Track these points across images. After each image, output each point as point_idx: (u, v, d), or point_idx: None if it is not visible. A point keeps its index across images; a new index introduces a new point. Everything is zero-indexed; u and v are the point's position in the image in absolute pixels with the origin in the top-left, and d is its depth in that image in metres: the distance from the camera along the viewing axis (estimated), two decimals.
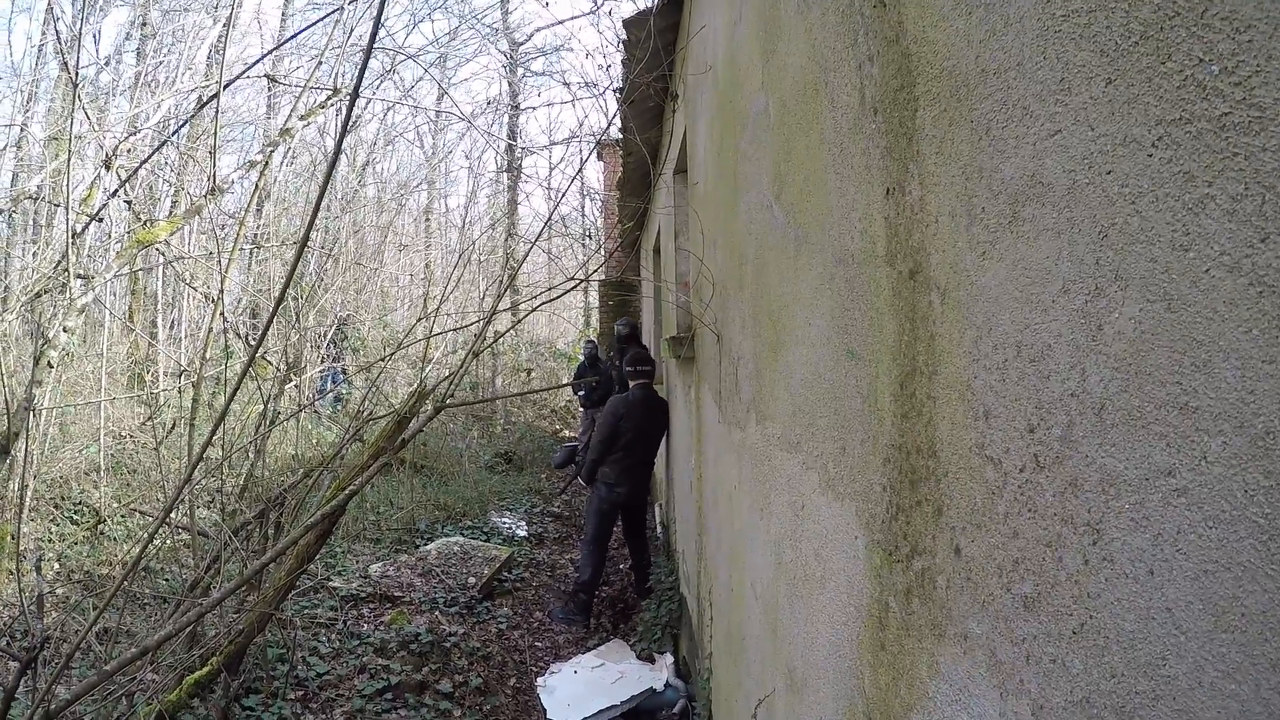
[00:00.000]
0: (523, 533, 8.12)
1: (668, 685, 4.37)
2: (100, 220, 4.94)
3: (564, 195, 9.47)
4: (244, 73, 3.92)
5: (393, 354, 4.15)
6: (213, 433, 2.68)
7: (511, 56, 24.80)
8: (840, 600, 1.31)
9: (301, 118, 4.36)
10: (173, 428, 7.74)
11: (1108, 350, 0.63)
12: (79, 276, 3.14)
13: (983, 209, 0.83)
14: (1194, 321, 0.54)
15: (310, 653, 4.63)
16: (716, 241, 2.89)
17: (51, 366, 3.59)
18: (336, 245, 12.58)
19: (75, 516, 6.88)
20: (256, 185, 4.22)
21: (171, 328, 11.07)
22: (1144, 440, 0.58)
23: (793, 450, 1.67)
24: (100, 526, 6.77)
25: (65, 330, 3.44)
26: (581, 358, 13.26)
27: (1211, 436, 0.52)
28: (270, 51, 3.70)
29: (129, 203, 4.90)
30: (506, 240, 20.14)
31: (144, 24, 9.09)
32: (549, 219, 4.97)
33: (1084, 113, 0.65)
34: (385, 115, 16.75)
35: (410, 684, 4.47)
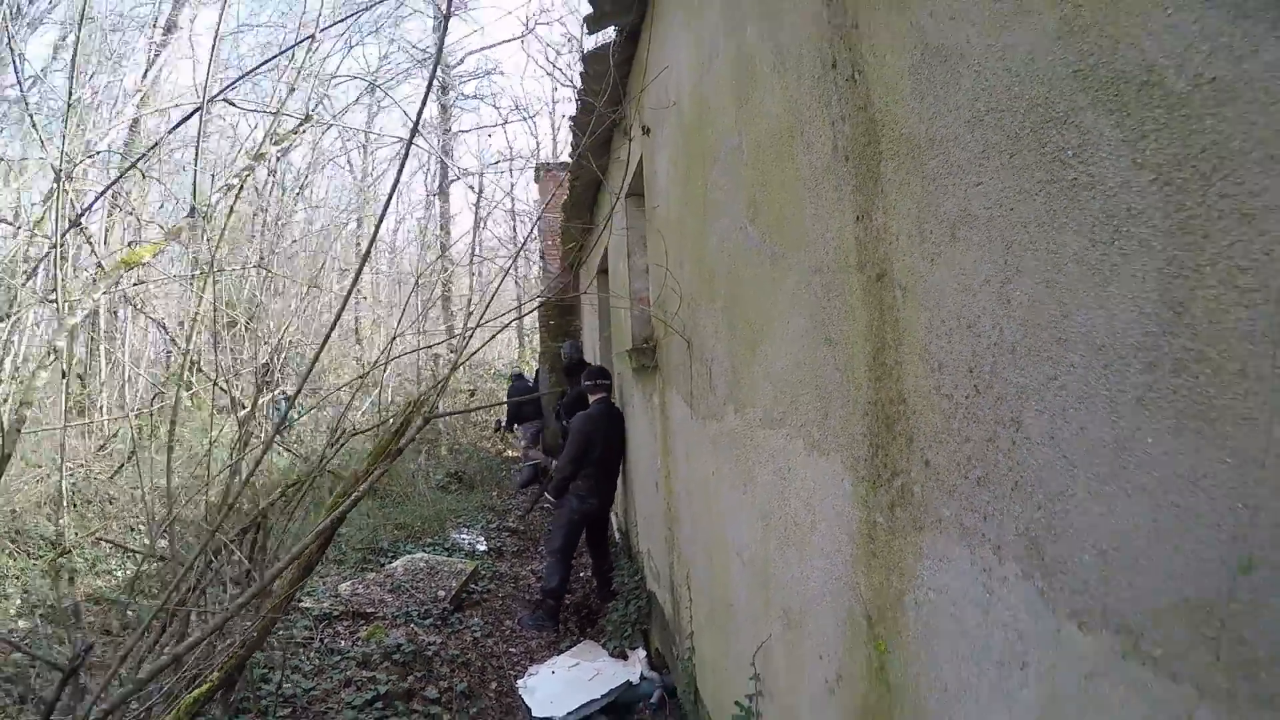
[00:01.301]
0: (483, 547, 8.36)
1: (643, 678, 4.65)
2: (58, 244, 5.08)
3: (539, 217, 9.73)
4: (221, 93, 4.13)
5: (368, 373, 4.34)
6: (171, 454, 2.89)
7: (444, 80, 24.94)
8: (832, 534, 1.68)
9: (275, 143, 4.60)
10: (131, 455, 7.78)
11: (1014, 315, 1.02)
12: (56, 301, 3.31)
13: (931, 230, 1.21)
14: (1062, 292, 0.92)
15: (292, 670, 4.81)
16: (683, 260, 3.27)
17: (35, 389, 3.75)
18: (277, 269, 12.63)
19: (30, 549, 6.88)
20: (231, 208, 4.43)
21: (107, 357, 10.98)
22: (1038, 363, 0.98)
23: (776, 427, 2.05)
24: (61, 558, 6.80)
25: (54, 351, 3.62)
26: (512, 380, 14.10)
27: (1074, 354, 0.91)
28: (246, 74, 3.89)
29: (79, 225, 5.06)
30: (439, 262, 20.33)
31: (74, 42, 9.13)
32: (523, 243, 5.24)
33: (997, 172, 1.04)
34: (318, 140, 16.82)
35: (398, 692, 4.67)
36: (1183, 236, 0.77)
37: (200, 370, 8.46)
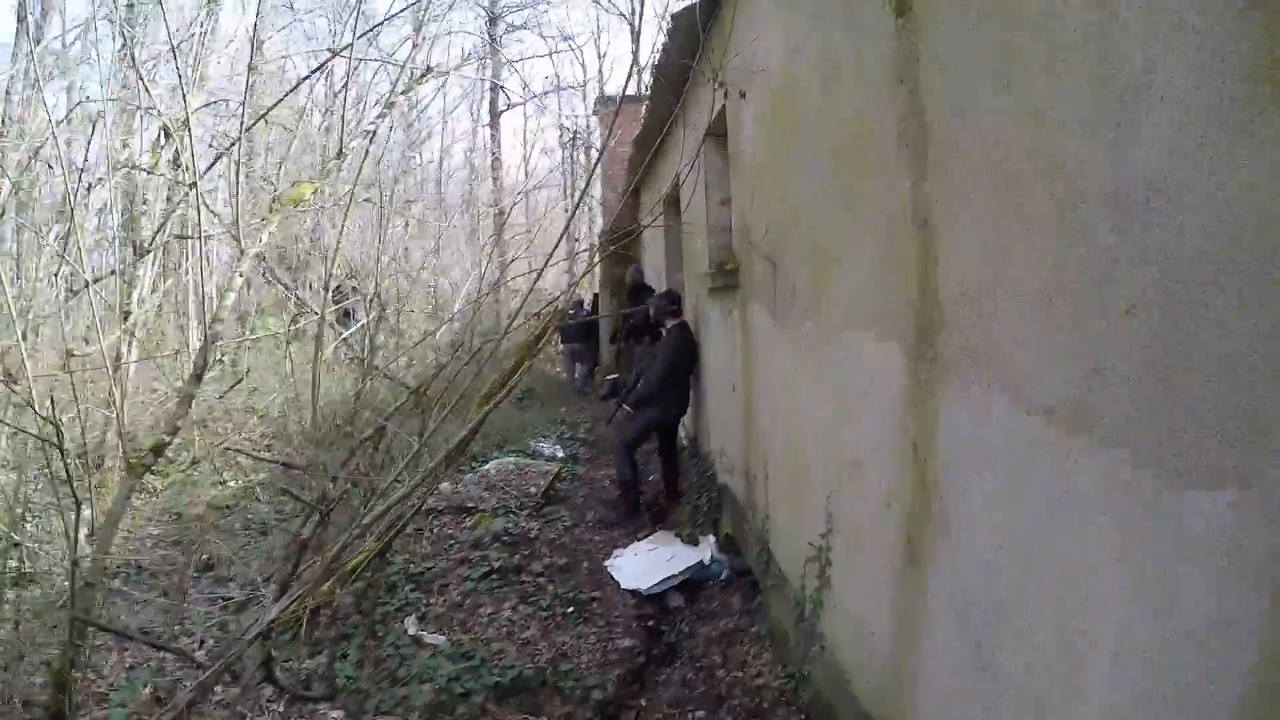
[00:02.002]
0: (561, 454, 9.29)
1: (713, 559, 5.47)
2: (193, 186, 5.92)
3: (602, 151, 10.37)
4: (358, 39, 4.74)
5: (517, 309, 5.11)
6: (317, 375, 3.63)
7: (491, 11, 25.24)
8: (889, 396, 2.47)
9: (402, 92, 5.35)
10: (239, 380, 8.62)
11: (992, 253, 1.77)
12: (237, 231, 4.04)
13: (961, 197, 1.96)
14: (1011, 239, 1.68)
15: (411, 555, 5.74)
16: (768, 198, 4.01)
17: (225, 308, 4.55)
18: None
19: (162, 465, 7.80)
20: (367, 151, 5.20)
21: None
22: (998, 280, 1.73)
23: (850, 328, 2.83)
24: (193, 469, 7.70)
25: (240, 275, 4.41)
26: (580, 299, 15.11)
27: (1014, 268, 1.67)
28: (377, 25, 4.56)
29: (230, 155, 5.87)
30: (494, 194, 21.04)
31: None
32: (592, 170, 5.95)
33: (988, 171, 1.78)
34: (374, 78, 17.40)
35: (509, 567, 5.58)
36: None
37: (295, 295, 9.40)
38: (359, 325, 10.89)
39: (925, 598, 2.28)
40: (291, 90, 5.58)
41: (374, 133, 5.03)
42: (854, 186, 2.72)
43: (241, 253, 4.09)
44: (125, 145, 7.21)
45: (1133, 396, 1.41)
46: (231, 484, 7.62)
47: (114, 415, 4.46)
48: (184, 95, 4.74)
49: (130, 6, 8.13)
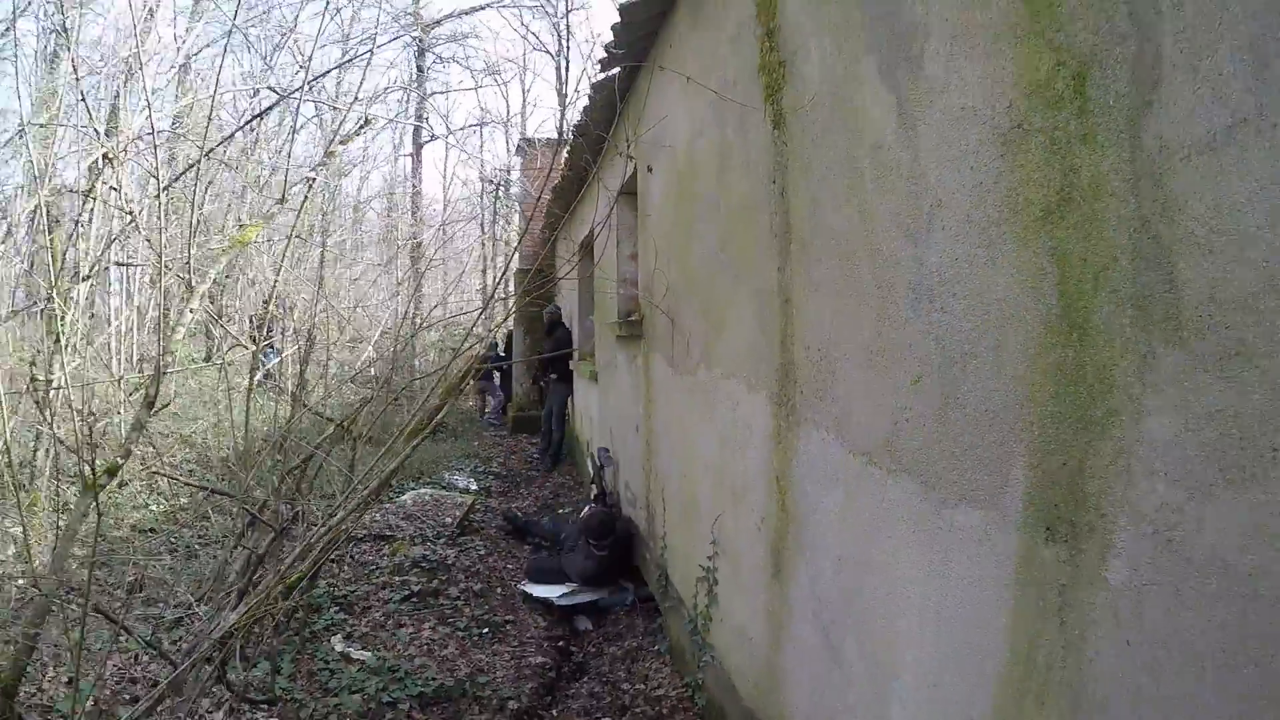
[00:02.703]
0: (474, 487, 9.61)
1: (621, 587, 5.91)
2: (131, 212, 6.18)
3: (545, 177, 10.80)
4: (300, 88, 5.15)
5: (419, 329, 5.48)
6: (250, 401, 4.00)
7: (421, 43, 25.49)
8: (759, 435, 2.98)
9: (341, 142, 5.72)
10: (166, 405, 8.74)
11: (833, 326, 2.30)
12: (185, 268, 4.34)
13: (812, 279, 2.48)
14: (848, 320, 2.21)
15: (333, 579, 6.03)
16: (670, 260, 4.53)
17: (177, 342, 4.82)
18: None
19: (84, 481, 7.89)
20: (305, 197, 5.54)
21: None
22: (841, 346, 2.26)
23: (731, 378, 3.34)
24: (119, 491, 7.78)
25: (191, 311, 4.72)
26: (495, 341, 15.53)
27: (852, 343, 2.19)
28: (327, 72, 4.91)
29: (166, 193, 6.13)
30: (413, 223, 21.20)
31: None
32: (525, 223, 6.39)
33: (830, 263, 2.31)
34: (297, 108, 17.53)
35: (428, 590, 5.94)
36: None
37: (223, 327, 9.55)
38: (279, 357, 11.06)
39: (789, 602, 2.78)
40: (237, 130, 5.87)
41: (313, 180, 5.37)
42: (738, 262, 3.25)
43: (190, 289, 4.38)
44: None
45: (922, 437, 1.93)
46: (153, 508, 7.72)
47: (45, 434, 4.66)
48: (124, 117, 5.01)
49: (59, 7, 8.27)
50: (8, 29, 10.85)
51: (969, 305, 1.76)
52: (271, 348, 12.08)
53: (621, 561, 5.98)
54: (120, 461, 4.41)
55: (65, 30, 7.76)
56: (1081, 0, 1.44)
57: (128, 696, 3.99)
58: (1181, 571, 1.25)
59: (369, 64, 5.72)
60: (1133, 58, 1.34)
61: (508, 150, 26.83)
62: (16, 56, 9.61)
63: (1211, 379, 1.20)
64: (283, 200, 5.25)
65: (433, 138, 26.85)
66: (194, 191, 4.52)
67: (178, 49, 11.16)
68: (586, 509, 6.54)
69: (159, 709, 3.19)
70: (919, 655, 1.98)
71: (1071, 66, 1.47)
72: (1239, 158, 1.16)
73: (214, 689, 3.76)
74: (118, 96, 5.11)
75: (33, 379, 4.27)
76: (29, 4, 10.13)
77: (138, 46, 5.74)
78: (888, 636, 2.12)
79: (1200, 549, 1.22)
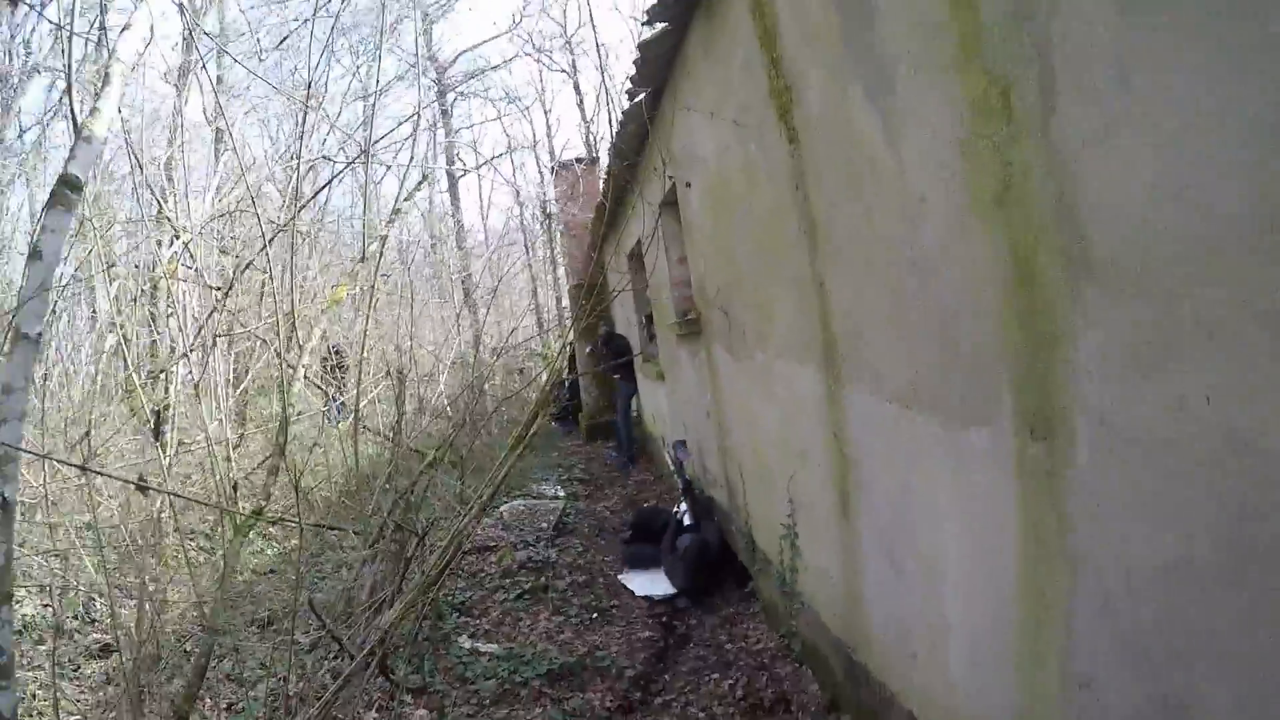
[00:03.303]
0: (562, 494, 10.22)
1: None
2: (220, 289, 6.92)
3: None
4: (365, 151, 5.79)
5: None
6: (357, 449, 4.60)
7: (440, 83, 26.33)
8: (813, 401, 3.51)
9: (405, 199, 6.39)
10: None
11: (859, 304, 2.82)
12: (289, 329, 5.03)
13: (838, 266, 3.01)
14: (870, 299, 2.73)
15: (449, 590, 6.66)
16: (716, 261, 5.07)
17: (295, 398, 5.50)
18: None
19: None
20: (380, 252, 6.21)
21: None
22: (868, 320, 2.79)
23: (784, 357, 3.87)
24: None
25: (304, 366, 5.38)
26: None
27: (878, 314, 2.72)
28: (385, 135, 5.56)
29: (198, 271, 6.90)
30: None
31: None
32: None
33: (850, 253, 2.84)
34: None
35: (538, 587, 6.53)
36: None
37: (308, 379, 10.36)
38: (343, 413, 11.89)
39: (858, 535, 3.30)
40: (310, 199, 6.57)
41: (385, 237, 6.02)
42: (776, 258, 3.78)
43: (299, 347, 5.08)
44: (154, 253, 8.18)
45: (935, 382, 2.45)
46: (268, 551, 8.46)
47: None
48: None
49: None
50: (41, 134, 11.70)
51: (955, 274, 2.27)
52: (339, 404, 12.92)
53: (723, 571, 6.20)
54: (264, 503, 5.12)
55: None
56: (1002, 36, 1.95)
57: (283, 711, 4.60)
58: (1121, 446, 1.74)
59: (417, 127, 6.36)
60: (1037, 77, 1.84)
61: (539, 171, 27.62)
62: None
63: (1120, 304, 1.69)
64: (363, 259, 5.93)
65: (466, 172, 27.69)
66: (291, 255, 5.16)
67: (211, 127, 12.06)
68: (680, 505, 6.95)
69: (336, 699, 3.82)
70: (959, 553, 2.49)
71: (1000, 85, 1.97)
72: (1115, 144, 1.66)
73: (377, 680, 4.42)
74: (163, 183, 5.77)
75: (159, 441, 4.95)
76: (59, 108, 11.00)
77: (179, 130, 6.42)
78: (935, 543, 2.64)
79: (1132, 427, 1.72)
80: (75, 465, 2.48)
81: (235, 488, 5.12)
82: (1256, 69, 1.32)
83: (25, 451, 2.78)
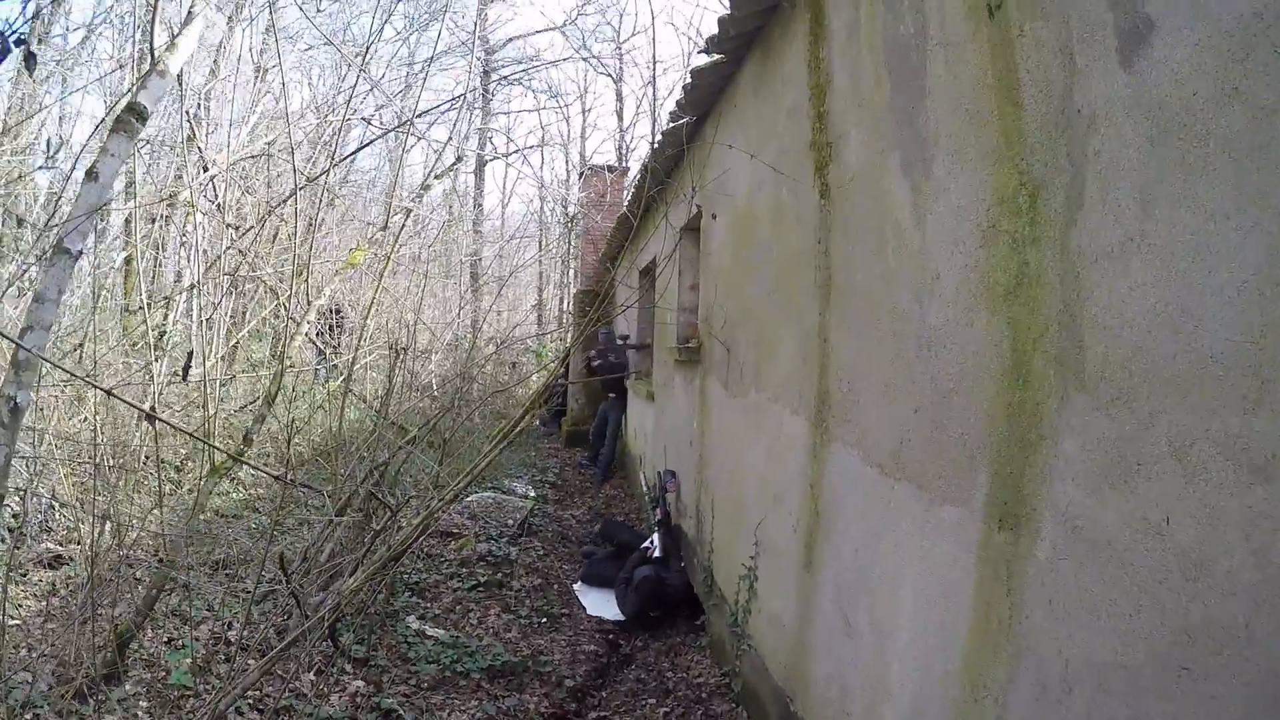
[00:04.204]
0: (532, 494, 10.27)
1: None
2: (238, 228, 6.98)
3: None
4: (407, 120, 5.86)
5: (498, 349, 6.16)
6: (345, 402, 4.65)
7: (485, 64, 26.47)
8: (798, 451, 3.58)
9: (437, 177, 6.46)
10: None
11: (857, 364, 2.90)
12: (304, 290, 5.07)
13: (846, 324, 3.09)
14: (869, 362, 2.81)
15: (406, 569, 6.69)
16: (728, 295, 5.15)
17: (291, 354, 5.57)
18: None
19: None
20: (402, 225, 6.27)
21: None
22: (864, 381, 2.86)
23: (777, 402, 3.94)
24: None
25: (309, 322, 5.42)
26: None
27: (869, 380, 2.80)
28: (431, 109, 5.62)
29: (220, 207, 6.97)
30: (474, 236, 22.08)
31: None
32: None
33: (857, 311, 2.92)
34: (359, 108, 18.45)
35: (493, 582, 6.59)
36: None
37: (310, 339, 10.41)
38: (329, 371, 11.91)
39: (816, 588, 3.37)
40: (345, 159, 6.64)
41: (411, 210, 6.09)
42: (788, 303, 3.86)
43: (307, 302, 5.14)
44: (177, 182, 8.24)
45: (920, 453, 2.52)
46: (234, 495, 8.49)
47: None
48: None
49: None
50: (86, 38, 11.73)
51: (954, 355, 2.35)
52: (330, 365, 12.92)
53: (677, 611, 6.16)
54: (244, 448, 5.17)
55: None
56: (1039, 139, 2.03)
57: (222, 656, 4.61)
58: (1083, 549, 1.82)
59: (464, 106, 6.46)
60: (1067, 186, 1.92)
61: (567, 169, 27.81)
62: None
63: (1102, 415, 1.77)
64: (385, 227, 5.99)
65: (495, 157, 27.81)
66: (317, 211, 5.23)
67: (255, 67, 12.14)
68: (653, 539, 6.90)
69: (282, 656, 3.86)
70: (911, 622, 2.56)
71: (1030, 187, 2.06)
72: (1126, 265, 1.74)
73: (322, 644, 4.46)
74: (198, 112, 5.84)
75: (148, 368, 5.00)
76: (108, 14, 11.05)
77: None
78: (890, 609, 2.71)
79: (1095, 532, 1.79)
80: (100, 388, 2.50)
81: (219, 428, 5.17)
82: (1264, 227, 1.40)
83: (45, 360, 2.84)
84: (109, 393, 2.02)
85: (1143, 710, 1.61)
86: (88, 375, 5.32)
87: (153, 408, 3.02)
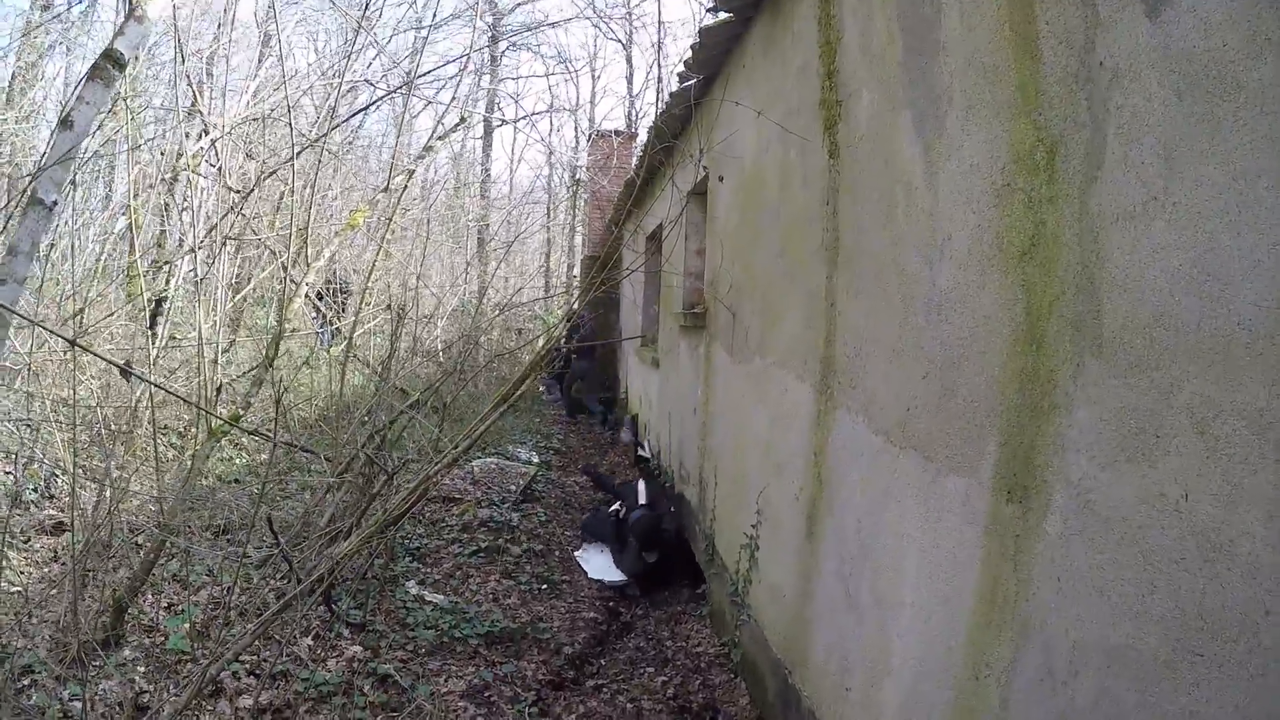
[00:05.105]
0: (536, 460, 10.23)
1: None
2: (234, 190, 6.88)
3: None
4: (408, 83, 5.76)
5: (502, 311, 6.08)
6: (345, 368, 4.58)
7: (494, 26, 26.12)
8: (803, 418, 3.49)
9: (440, 138, 6.34)
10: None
11: (867, 326, 2.80)
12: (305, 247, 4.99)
13: (853, 288, 2.99)
14: (877, 325, 2.71)
15: (407, 534, 6.66)
16: (735, 259, 5.04)
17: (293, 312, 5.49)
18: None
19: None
20: (405, 186, 6.16)
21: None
22: (869, 344, 2.77)
23: (782, 367, 3.85)
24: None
25: (308, 284, 5.35)
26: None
27: (879, 346, 2.71)
28: (427, 72, 5.51)
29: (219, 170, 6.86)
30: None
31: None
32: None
33: (867, 275, 2.82)
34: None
35: (494, 547, 6.55)
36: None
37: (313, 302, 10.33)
38: (333, 333, 11.85)
39: (818, 559, 3.30)
40: (345, 120, 6.52)
41: (413, 172, 5.98)
42: (794, 267, 3.76)
43: (307, 264, 5.05)
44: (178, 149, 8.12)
45: (926, 421, 2.43)
46: (236, 461, 8.47)
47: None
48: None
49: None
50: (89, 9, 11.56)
51: (965, 319, 2.25)
52: (334, 329, 12.87)
53: (675, 562, 6.21)
54: (242, 412, 5.11)
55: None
56: (1058, 93, 1.92)
57: (221, 621, 4.59)
58: (1095, 525, 1.73)
59: (464, 68, 6.32)
60: (1087, 142, 1.81)
61: (576, 136, 27.55)
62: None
63: (1119, 383, 1.68)
64: (387, 189, 5.89)
65: (503, 122, 27.54)
66: (316, 172, 5.13)
67: (259, 29, 11.96)
68: (640, 485, 6.97)
69: (276, 619, 3.82)
70: (915, 597, 2.49)
71: (1047, 143, 1.95)
72: (1149, 225, 1.63)
73: (319, 608, 4.42)
74: (201, 77, 5.74)
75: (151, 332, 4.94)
76: None
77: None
78: (893, 582, 2.63)
79: (1108, 508, 1.70)
80: (65, 338, 2.45)
81: (219, 391, 5.11)
82: None
83: (18, 314, 2.76)
84: (73, 343, 1.95)
85: (1152, 697, 1.53)
86: (75, 335, 5.27)
87: (128, 363, 2.94)
